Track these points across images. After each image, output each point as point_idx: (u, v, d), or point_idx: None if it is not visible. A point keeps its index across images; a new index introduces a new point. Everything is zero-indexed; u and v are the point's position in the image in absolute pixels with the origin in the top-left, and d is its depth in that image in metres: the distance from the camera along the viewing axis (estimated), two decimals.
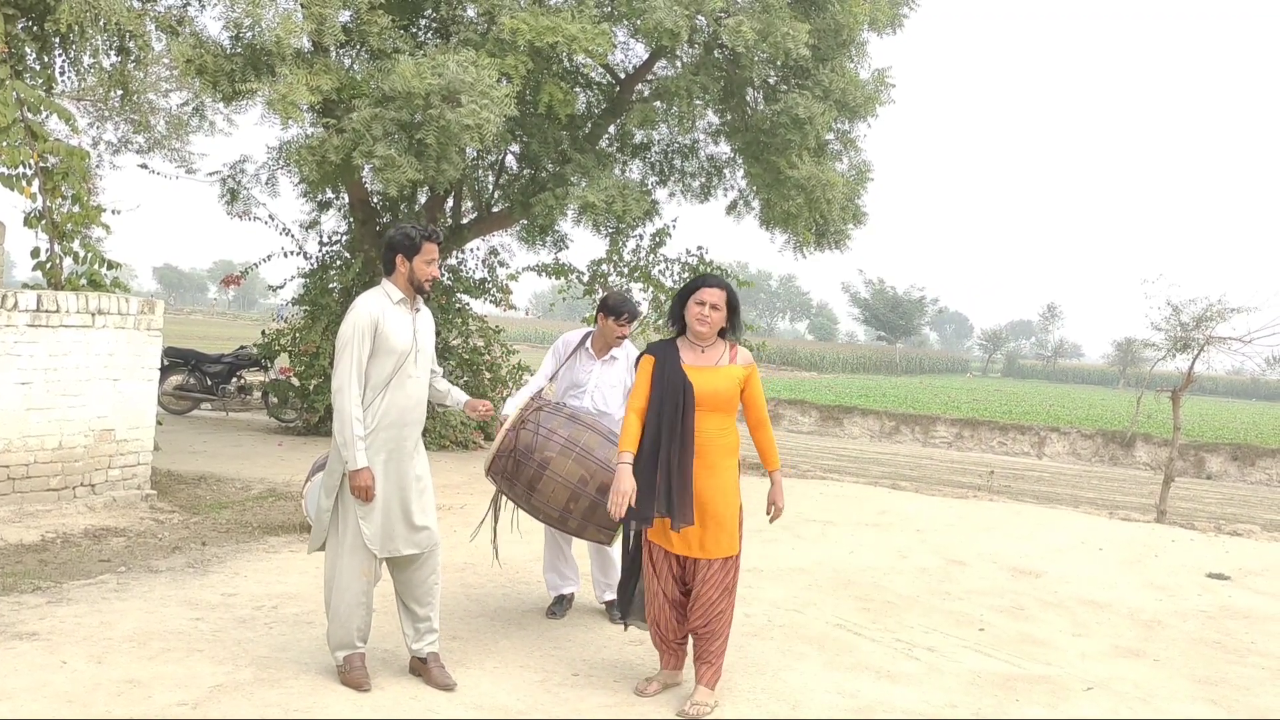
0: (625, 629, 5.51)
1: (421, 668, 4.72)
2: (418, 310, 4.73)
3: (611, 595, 5.93)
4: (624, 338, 5.87)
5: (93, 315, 7.58)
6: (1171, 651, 6.22)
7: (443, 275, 13.77)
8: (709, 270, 13.72)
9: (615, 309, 5.80)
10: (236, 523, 7.75)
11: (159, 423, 9.12)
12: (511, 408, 5.62)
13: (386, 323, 4.53)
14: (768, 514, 4.83)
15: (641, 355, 4.81)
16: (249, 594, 5.83)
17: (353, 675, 4.54)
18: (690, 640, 4.87)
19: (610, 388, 5.83)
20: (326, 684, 4.56)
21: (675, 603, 4.77)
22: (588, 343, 5.90)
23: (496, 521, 5.76)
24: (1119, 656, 6.05)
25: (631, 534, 5.23)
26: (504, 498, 5.62)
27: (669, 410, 4.58)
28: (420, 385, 4.70)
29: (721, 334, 4.76)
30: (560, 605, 6.02)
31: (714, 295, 4.65)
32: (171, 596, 5.66)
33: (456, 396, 4.98)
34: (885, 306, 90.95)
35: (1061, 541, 9.48)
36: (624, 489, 4.53)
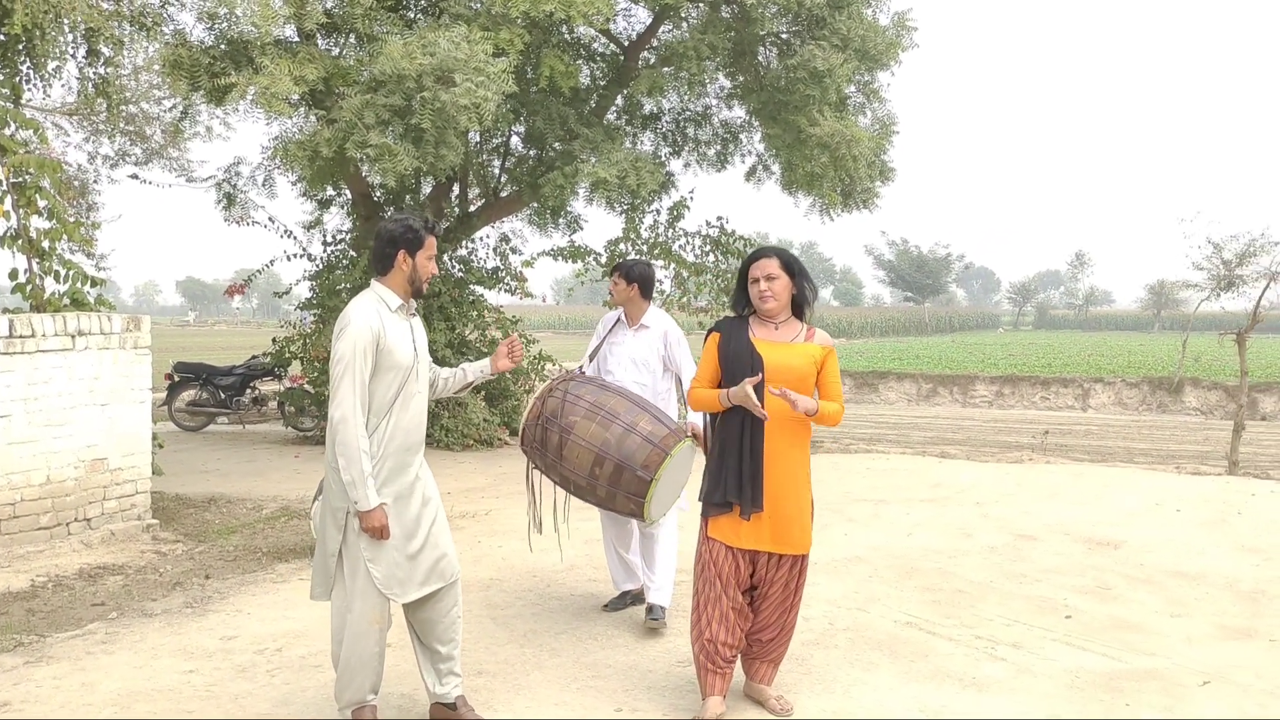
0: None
1: (450, 714, 4.11)
2: (413, 315, 4.10)
3: (659, 599, 5.39)
4: (611, 293, 5.71)
5: (73, 337, 7.02)
6: None
7: (453, 266, 13.17)
8: (731, 241, 13.03)
9: (612, 268, 5.73)
10: (245, 549, 7.18)
11: (159, 445, 8.58)
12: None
13: (388, 335, 3.88)
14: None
15: (709, 333, 4.36)
16: (251, 635, 5.24)
17: None
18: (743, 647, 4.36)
19: (642, 360, 5.53)
20: None
21: (740, 610, 4.22)
22: (623, 315, 5.70)
23: (535, 501, 5.31)
24: (1229, 639, 5.37)
25: None
26: (538, 474, 5.28)
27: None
28: (423, 401, 4.06)
29: (800, 315, 4.31)
30: (619, 602, 5.75)
31: (764, 267, 4.21)
32: (164, 645, 5.08)
33: (476, 369, 4.38)
34: (910, 267, 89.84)
35: (1133, 504, 8.77)
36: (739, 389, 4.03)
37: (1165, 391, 26.84)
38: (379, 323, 3.87)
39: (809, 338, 4.25)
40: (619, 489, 4.85)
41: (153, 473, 8.01)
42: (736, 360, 4.16)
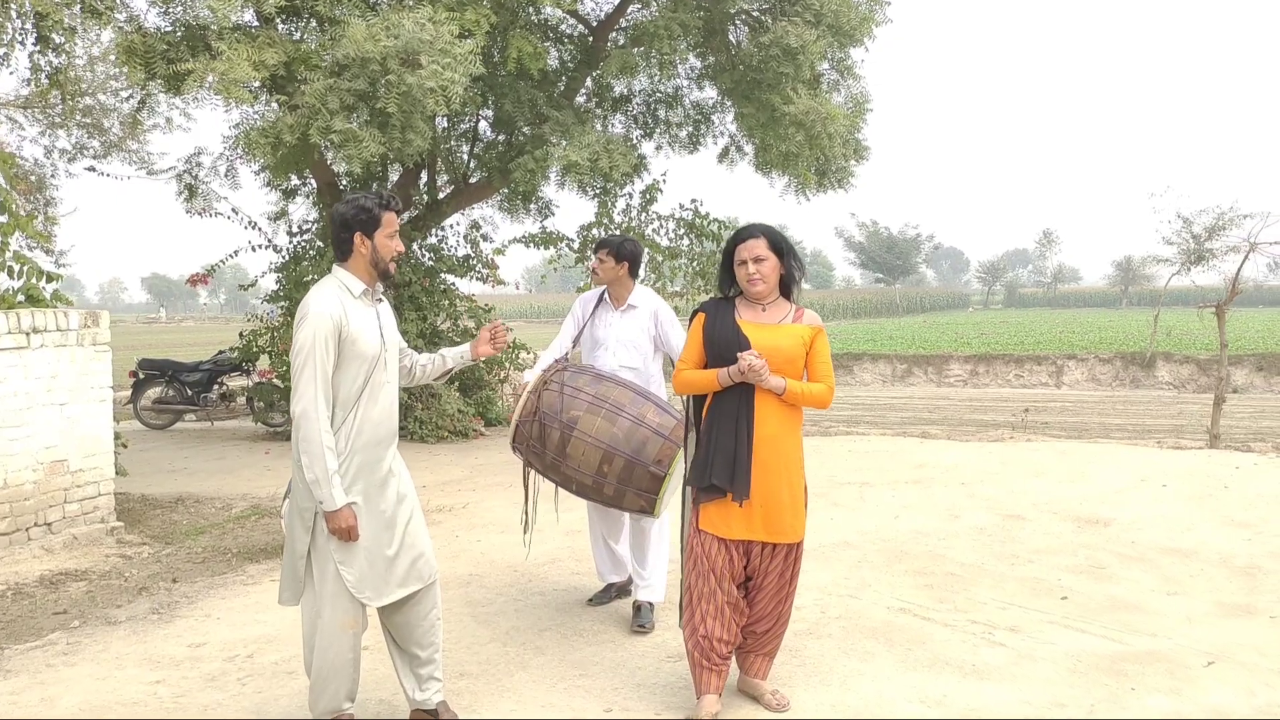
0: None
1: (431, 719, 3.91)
2: (379, 301, 3.86)
3: (649, 595, 5.18)
4: (598, 274, 5.28)
5: (27, 335, 6.73)
6: None
7: (424, 255, 12.90)
8: (705, 223, 12.83)
9: (597, 244, 5.31)
10: (214, 550, 6.94)
11: (123, 445, 8.31)
12: (533, 376, 4.97)
13: (351, 323, 3.64)
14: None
15: (694, 314, 4.13)
16: (221, 641, 5.02)
17: None
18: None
19: (632, 342, 5.20)
20: None
21: (734, 604, 4.02)
22: (606, 295, 5.34)
23: (529, 504, 5.02)
24: (1228, 616, 5.25)
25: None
26: (533, 473, 4.95)
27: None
28: (393, 391, 3.83)
29: (787, 294, 4.10)
30: (605, 595, 5.53)
31: (751, 249, 3.97)
32: (129, 654, 4.85)
33: (456, 355, 4.19)
34: (881, 248, 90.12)
35: (1119, 480, 8.69)
36: (745, 359, 3.83)
37: (1138, 366, 26.93)
38: (340, 310, 3.63)
39: (797, 318, 4.04)
40: (629, 486, 4.59)
41: (116, 473, 7.74)
42: (722, 343, 3.96)
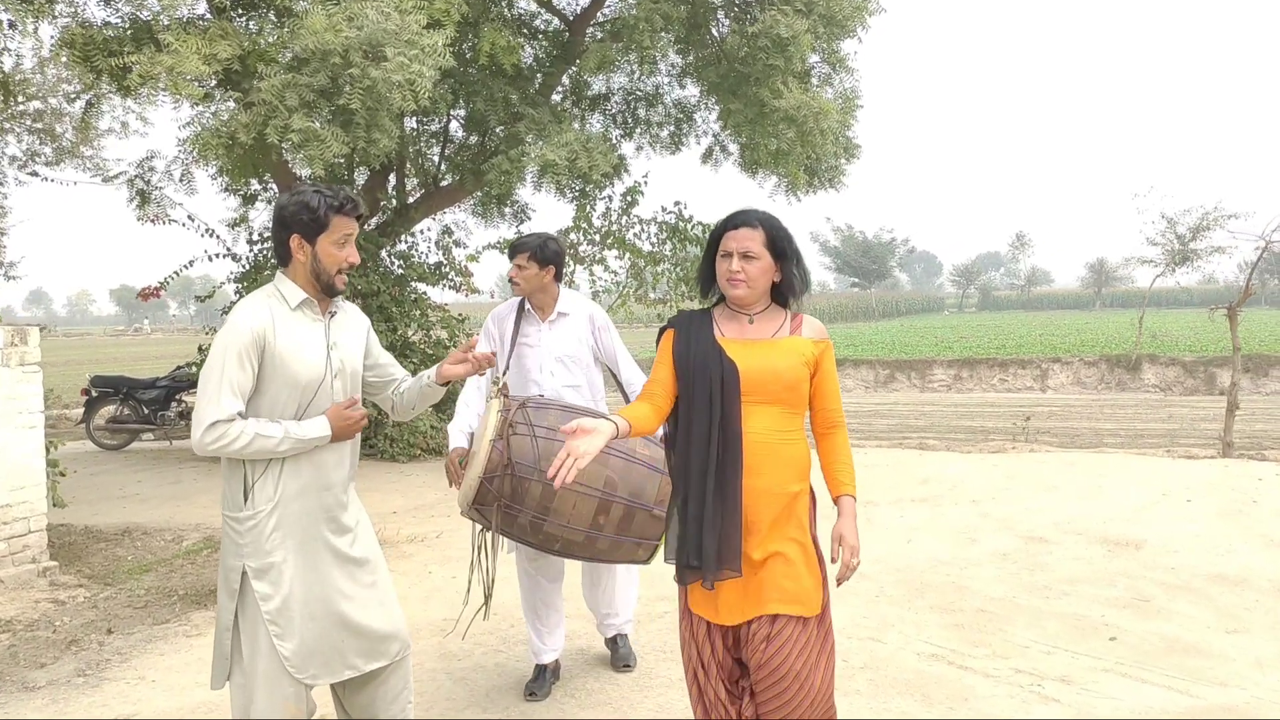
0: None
1: None
2: (332, 314, 3.16)
3: (622, 628, 4.65)
4: (518, 284, 4.34)
5: None
6: None
7: (393, 263, 12.22)
8: (689, 227, 12.20)
9: (511, 248, 4.41)
10: (158, 592, 6.23)
11: (61, 473, 7.60)
12: (460, 427, 4.24)
13: (280, 338, 2.96)
14: (833, 559, 2.98)
15: (662, 331, 3.15)
16: (153, 710, 4.32)
17: None
18: None
19: (570, 356, 4.37)
20: None
21: (734, 695, 3.02)
22: (528, 306, 4.46)
23: (484, 569, 4.11)
24: None
25: None
26: (490, 534, 3.97)
27: (700, 402, 2.93)
28: None
29: (783, 301, 3.11)
30: (542, 681, 4.44)
31: (741, 239, 3.00)
32: None
33: (427, 388, 3.33)
34: (856, 252, 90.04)
35: (1139, 496, 8.12)
36: (574, 447, 2.71)
37: (1123, 369, 26.55)
38: (268, 322, 2.97)
39: (795, 329, 3.06)
40: (629, 536, 3.80)
41: (55, 504, 7.05)
42: (699, 367, 2.97)
